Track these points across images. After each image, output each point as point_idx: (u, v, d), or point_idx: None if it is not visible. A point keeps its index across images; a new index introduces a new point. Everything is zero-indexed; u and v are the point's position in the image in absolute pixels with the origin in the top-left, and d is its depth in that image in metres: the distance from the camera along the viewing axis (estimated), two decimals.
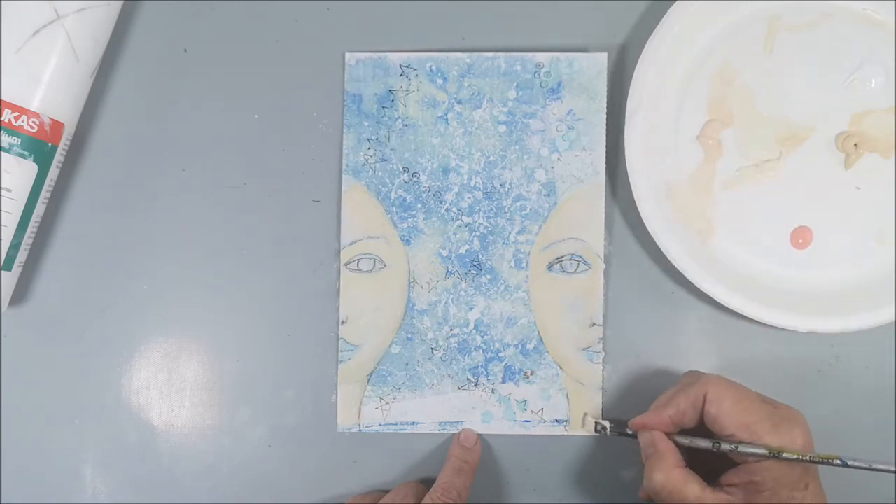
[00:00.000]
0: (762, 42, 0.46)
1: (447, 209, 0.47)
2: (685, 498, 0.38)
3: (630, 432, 0.43)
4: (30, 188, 0.43)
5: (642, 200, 0.44)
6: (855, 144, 0.45)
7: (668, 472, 0.39)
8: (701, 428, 0.41)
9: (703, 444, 0.40)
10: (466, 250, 0.47)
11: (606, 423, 0.45)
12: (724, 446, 0.39)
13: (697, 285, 0.44)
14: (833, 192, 0.46)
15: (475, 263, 0.47)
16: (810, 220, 0.46)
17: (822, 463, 0.38)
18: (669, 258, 0.44)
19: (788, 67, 0.46)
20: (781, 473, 0.38)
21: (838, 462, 0.37)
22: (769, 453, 0.38)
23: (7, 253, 0.43)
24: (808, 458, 0.37)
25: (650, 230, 0.44)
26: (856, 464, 0.38)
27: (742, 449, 0.38)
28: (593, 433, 0.46)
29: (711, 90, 0.46)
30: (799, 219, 0.46)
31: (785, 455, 0.37)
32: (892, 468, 0.37)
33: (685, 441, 0.41)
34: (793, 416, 0.39)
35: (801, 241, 0.46)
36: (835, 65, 0.46)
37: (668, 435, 0.41)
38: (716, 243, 0.46)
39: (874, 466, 0.37)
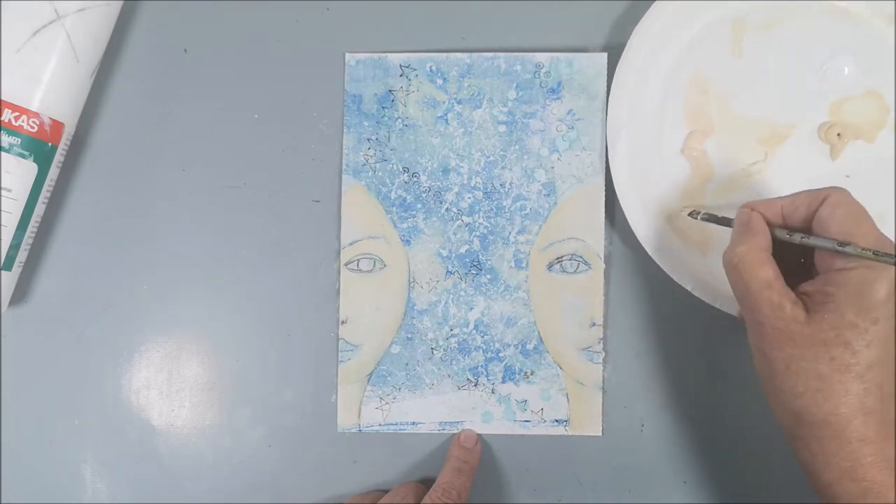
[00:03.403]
0: (729, 46, 0.46)
1: (447, 209, 0.47)
2: (755, 277, 0.36)
3: (722, 217, 0.41)
4: (30, 188, 0.43)
5: (637, 225, 0.45)
6: (838, 134, 0.45)
7: (752, 248, 0.37)
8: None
9: (793, 236, 0.38)
10: (466, 250, 0.47)
11: (700, 210, 0.43)
12: (796, 236, 0.37)
13: (703, 299, 0.44)
14: (824, 184, 0.46)
15: (475, 263, 0.47)
16: None
17: (885, 260, 0.34)
18: (674, 278, 0.45)
19: (759, 68, 0.46)
20: (856, 292, 0.35)
21: None
22: (837, 244, 0.35)
23: (7, 253, 0.43)
24: (871, 252, 0.34)
25: (650, 253, 0.45)
26: None
27: (812, 240, 0.37)
28: (687, 216, 0.44)
29: (688, 101, 0.46)
30: None
31: (849, 248, 0.35)
32: None
33: (777, 231, 0.38)
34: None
35: None
36: (805, 59, 0.46)
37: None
38: (715, 253, 0.46)
39: None
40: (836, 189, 0.38)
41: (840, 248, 0.35)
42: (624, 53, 0.45)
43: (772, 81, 0.46)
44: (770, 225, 0.39)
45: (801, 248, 0.39)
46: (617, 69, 0.45)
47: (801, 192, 0.39)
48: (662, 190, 0.46)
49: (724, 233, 0.43)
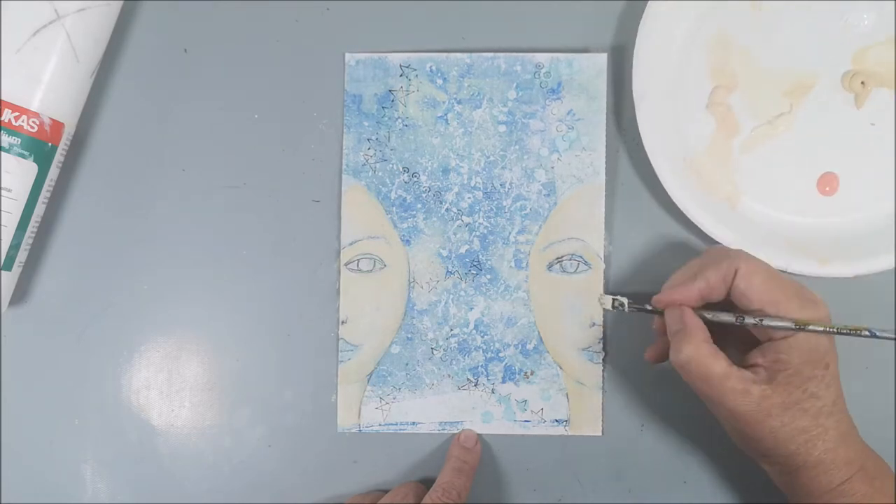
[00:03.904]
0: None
1: (447, 209, 0.47)
2: (711, 373, 0.38)
3: (650, 308, 0.42)
4: (30, 188, 0.43)
5: (667, 180, 0.45)
6: (862, 83, 0.46)
7: (698, 347, 0.39)
8: (718, 304, 0.40)
9: (726, 318, 0.40)
10: (466, 250, 0.47)
11: (625, 300, 0.44)
12: (749, 320, 0.39)
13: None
14: (850, 133, 0.46)
15: (475, 263, 0.47)
16: (833, 166, 0.47)
17: (850, 334, 0.37)
18: (704, 230, 0.45)
19: (779, 19, 0.46)
20: (806, 351, 0.38)
21: (867, 333, 0.37)
22: (795, 326, 0.37)
23: (7, 253, 0.43)
24: (835, 329, 0.37)
25: (680, 207, 0.45)
26: (884, 334, 0.37)
27: (767, 322, 0.38)
28: (610, 309, 0.44)
29: (711, 58, 0.46)
30: (822, 166, 0.47)
31: (811, 327, 0.37)
32: None
33: (708, 316, 0.40)
34: (817, 299, 0.39)
35: (827, 188, 0.47)
36: (825, 9, 0.46)
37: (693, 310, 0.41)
38: (744, 207, 0.46)
39: None
40: (741, 257, 0.39)
41: (801, 329, 0.38)
42: (644, 14, 0.45)
43: (793, 33, 0.46)
44: (699, 311, 0.41)
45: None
46: (639, 28, 0.45)
47: (705, 269, 0.40)
48: (690, 147, 0.46)
49: (753, 182, 0.46)
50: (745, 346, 0.41)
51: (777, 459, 0.40)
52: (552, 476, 0.47)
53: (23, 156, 0.42)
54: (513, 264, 0.47)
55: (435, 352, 0.47)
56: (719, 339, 0.40)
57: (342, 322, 0.47)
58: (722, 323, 0.40)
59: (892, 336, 0.37)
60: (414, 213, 0.47)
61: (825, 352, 0.39)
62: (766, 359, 0.39)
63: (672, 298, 0.41)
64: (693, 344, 0.39)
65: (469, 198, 0.47)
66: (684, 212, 0.45)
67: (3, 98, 0.42)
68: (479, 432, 0.47)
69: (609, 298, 0.44)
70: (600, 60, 0.47)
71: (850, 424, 0.40)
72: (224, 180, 0.47)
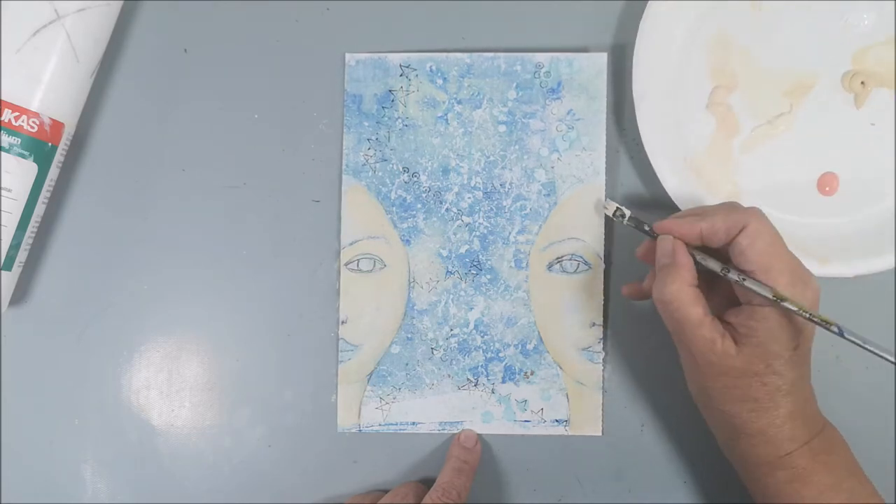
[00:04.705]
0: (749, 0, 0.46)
1: (447, 209, 0.47)
2: (688, 316, 0.38)
3: (647, 229, 0.42)
4: (30, 188, 0.43)
5: (667, 180, 0.45)
6: (862, 83, 0.46)
7: (681, 288, 0.38)
8: (714, 253, 0.40)
9: (714, 265, 0.40)
10: (466, 250, 0.47)
11: (627, 212, 0.44)
12: (732, 275, 0.39)
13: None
14: (850, 133, 0.47)
15: (475, 263, 0.47)
16: (833, 166, 0.47)
17: (819, 324, 0.37)
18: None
19: (779, 19, 0.46)
20: (776, 325, 0.38)
21: (835, 329, 0.36)
22: (773, 297, 0.37)
23: (7, 253, 0.43)
24: (808, 314, 0.37)
25: (680, 207, 0.45)
26: (851, 337, 0.36)
27: (749, 284, 0.38)
28: (610, 216, 0.44)
29: (711, 58, 0.47)
30: (822, 166, 0.47)
31: (786, 304, 0.37)
32: (890, 357, 0.35)
33: (698, 257, 0.40)
34: (809, 281, 0.38)
35: (827, 188, 0.47)
36: (825, 9, 0.46)
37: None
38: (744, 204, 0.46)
39: (867, 345, 0.36)
40: (754, 215, 0.39)
41: (777, 301, 0.37)
42: (644, 14, 0.45)
43: (793, 33, 0.46)
44: (692, 250, 0.40)
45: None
46: (639, 28, 0.45)
47: (718, 215, 0.40)
48: (690, 146, 0.46)
49: (753, 182, 0.46)
50: (729, 302, 0.40)
51: (720, 417, 0.40)
52: (552, 476, 0.47)
53: (23, 156, 0.42)
54: (513, 264, 0.47)
55: (435, 352, 0.47)
56: (708, 286, 0.40)
57: (342, 322, 0.47)
58: (707, 269, 0.40)
59: (859, 343, 0.36)
60: (414, 213, 0.47)
61: (796, 333, 0.38)
62: (738, 320, 0.39)
63: (672, 229, 0.40)
64: (677, 284, 0.39)
65: (469, 198, 0.47)
66: (682, 209, 0.45)
67: (3, 98, 0.42)
68: (479, 432, 0.47)
69: (613, 205, 0.44)
70: (600, 60, 0.47)
71: (805, 405, 0.39)
72: (224, 180, 0.47)
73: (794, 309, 0.37)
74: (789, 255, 0.39)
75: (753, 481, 0.41)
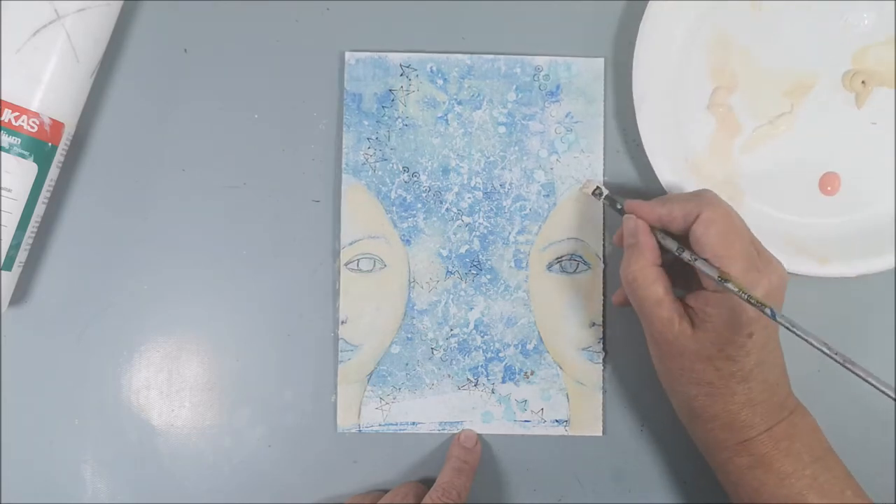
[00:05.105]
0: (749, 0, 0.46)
1: (447, 209, 0.47)
2: (648, 295, 0.39)
3: (619, 208, 0.43)
4: (30, 188, 0.43)
5: (668, 181, 0.45)
6: (863, 82, 0.46)
7: (644, 267, 0.40)
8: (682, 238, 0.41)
9: (671, 244, 0.40)
10: (466, 250, 0.47)
11: (605, 190, 0.45)
12: (686, 255, 0.39)
13: None
14: (851, 132, 0.47)
15: (475, 263, 0.47)
16: (835, 166, 0.47)
17: (755, 306, 0.36)
18: None
19: (779, 19, 0.46)
20: (728, 311, 0.38)
21: (769, 311, 0.36)
22: (718, 277, 0.38)
23: (7, 253, 0.43)
24: (745, 295, 0.37)
25: None
26: (782, 321, 0.36)
27: (698, 264, 0.39)
28: (589, 193, 0.45)
29: (711, 58, 0.47)
30: (823, 166, 0.47)
31: (728, 285, 0.37)
32: (816, 343, 0.35)
33: (660, 237, 0.41)
34: (770, 271, 0.39)
35: (829, 188, 0.47)
36: (825, 9, 0.46)
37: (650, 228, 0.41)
38: (745, 207, 0.46)
39: (796, 330, 0.36)
40: (709, 204, 0.39)
41: (720, 283, 0.38)
42: (644, 14, 0.45)
43: (793, 33, 0.46)
44: (654, 230, 0.41)
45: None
46: (639, 29, 0.45)
47: (676, 203, 0.40)
48: (691, 147, 0.46)
49: (754, 183, 0.46)
50: (694, 286, 0.41)
51: (680, 398, 0.41)
52: (552, 476, 0.47)
53: (23, 156, 0.42)
54: (513, 264, 0.47)
55: (435, 352, 0.47)
56: (679, 269, 0.41)
57: (342, 322, 0.47)
58: (665, 248, 0.41)
59: (788, 326, 0.36)
60: (414, 212, 0.47)
61: (749, 320, 0.38)
62: (696, 304, 0.39)
63: (636, 210, 0.42)
64: (640, 264, 0.40)
65: (469, 198, 0.47)
66: None
67: (3, 98, 0.42)
68: (479, 432, 0.47)
69: (593, 183, 0.45)
70: (598, 65, 0.47)
71: (766, 391, 0.39)
72: (224, 180, 0.47)
73: (735, 290, 0.37)
74: (745, 242, 0.39)
75: (716, 465, 0.41)
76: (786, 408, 0.40)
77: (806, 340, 0.36)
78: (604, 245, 0.47)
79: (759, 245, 0.40)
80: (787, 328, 0.36)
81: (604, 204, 0.45)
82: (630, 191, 0.47)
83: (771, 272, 0.39)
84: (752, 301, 0.37)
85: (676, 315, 0.39)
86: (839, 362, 0.35)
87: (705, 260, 0.39)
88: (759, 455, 0.39)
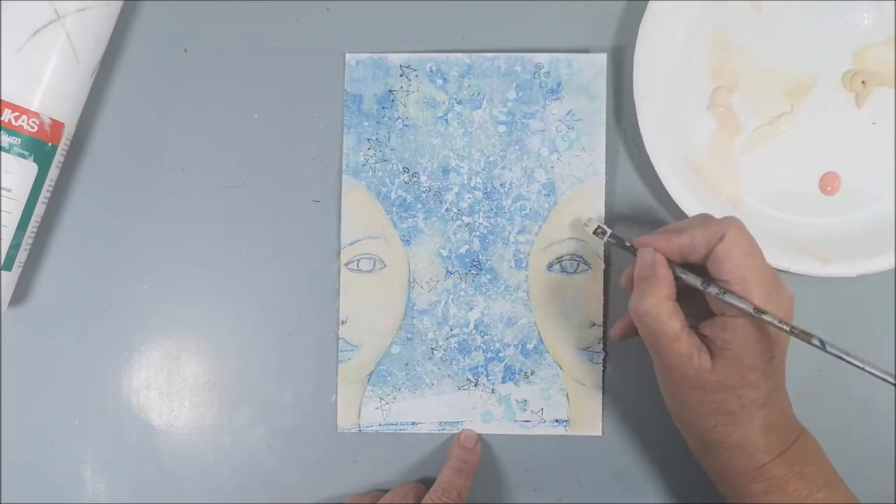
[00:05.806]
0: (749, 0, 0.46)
1: (447, 209, 0.47)
2: (665, 330, 0.38)
3: (629, 245, 0.42)
4: (30, 188, 0.43)
5: (669, 181, 0.45)
6: (863, 82, 0.46)
7: (659, 302, 0.38)
8: (693, 269, 0.40)
9: (693, 280, 0.39)
10: (466, 250, 0.47)
11: (608, 229, 0.44)
12: (712, 290, 0.38)
13: None
14: (851, 132, 0.47)
15: (475, 263, 0.47)
16: (835, 165, 0.47)
17: (801, 337, 0.36)
18: None
19: (779, 19, 0.46)
20: (751, 338, 0.37)
21: (816, 342, 0.36)
22: (754, 310, 0.37)
23: (7, 253, 0.43)
24: (788, 327, 0.36)
25: (682, 208, 0.45)
26: (833, 350, 0.36)
27: (729, 298, 0.37)
28: (590, 233, 0.44)
29: (711, 58, 0.47)
30: (824, 166, 0.47)
31: (766, 317, 0.36)
32: (871, 369, 0.35)
33: (679, 271, 0.40)
34: (784, 292, 0.38)
35: (829, 188, 0.47)
36: (825, 9, 0.46)
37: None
38: (746, 207, 0.46)
39: (848, 357, 0.35)
40: (732, 226, 0.38)
41: (757, 315, 0.37)
42: (645, 14, 0.45)
43: (793, 33, 0.46)
44: (672, 264, 0.40)
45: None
46: (640, 28, 0.45)
47: (693, 227, 0.39)
48: (691, 147, 0.46)
49: (754, 182, 0.46)
50: (703, 314, 0.40)
51: (694, 429, 0.40)
52: (552, 476, 0.47)
53: (23, 156, 0.42)
54: (513, 264, 0.47)
55: (435, 352, 0.47)
56: (685, 295, 0.40)
57: (342, 322, 0.47)
58: (688, 284, 0.39)
59: (840, 355, 0.36)
60: (414, 213, 0.47)
61: (771, 345, 0.38)
62: (712, 332, 0.38)
63: (652, 244, 0.40)
64: (656, 298, 0.38)
65: (469, 198, 0.47)
66: (686, 213, 0.45)
67: (3, 98, 0.42)
68: (479, 432, 0.47)
69: (595, 222, 0.44)
70: (600, 61, 0.47)
71: (780, 416, 0.39)
72: (224, 180, 0.47)
73: (776, 322, 0.36)
74: (765, 266, 0.38)
75: (730, 491, 0.41)
76: (794, 430, 0.40)
77: (862, 369, 0.35)
78: (604, 245, 0.47)
79: (774, 272, 0.39)
80: (840, 357, 0.35)
81: (609, 239, 0.44)
82: (630, 191, 0.47)
83: (784, 295, 0.38)
84: (796, 331, 0.36)
85: (695, 349, 0.38)
86: (893, 384, 0.34)
87: (733, 293, 0.37)
88: (775, 480, 0.38)
